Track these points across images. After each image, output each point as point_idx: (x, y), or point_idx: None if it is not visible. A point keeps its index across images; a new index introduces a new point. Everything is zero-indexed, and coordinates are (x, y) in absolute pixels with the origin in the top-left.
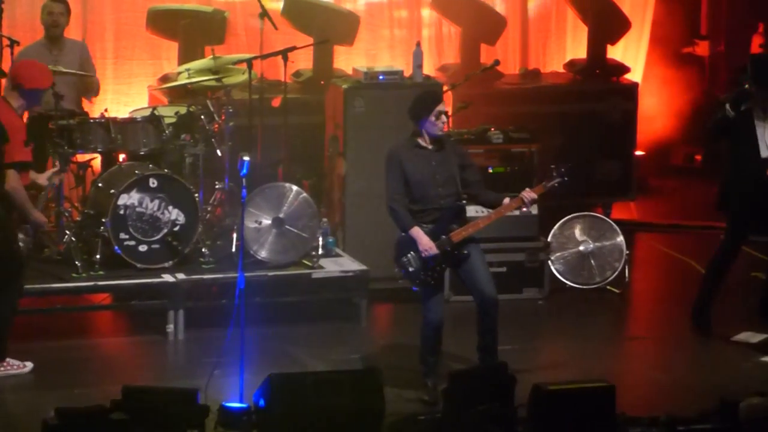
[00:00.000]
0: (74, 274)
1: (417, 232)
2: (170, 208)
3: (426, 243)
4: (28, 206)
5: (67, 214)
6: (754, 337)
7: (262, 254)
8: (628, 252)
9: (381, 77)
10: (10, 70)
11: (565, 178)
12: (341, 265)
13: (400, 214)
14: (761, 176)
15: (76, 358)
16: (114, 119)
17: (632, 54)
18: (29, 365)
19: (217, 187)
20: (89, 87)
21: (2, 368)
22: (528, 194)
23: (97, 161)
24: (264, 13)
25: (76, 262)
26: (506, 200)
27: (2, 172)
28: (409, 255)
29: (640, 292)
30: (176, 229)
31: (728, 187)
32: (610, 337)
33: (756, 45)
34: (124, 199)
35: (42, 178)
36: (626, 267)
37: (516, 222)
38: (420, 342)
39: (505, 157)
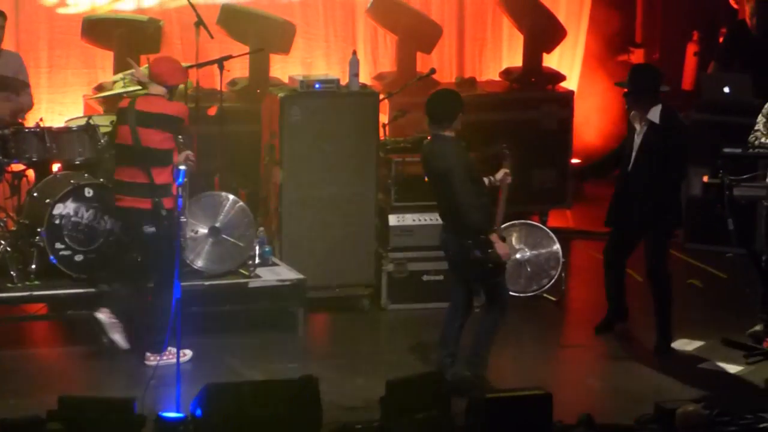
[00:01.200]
0: (9, 284)
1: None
2: (106, 217)
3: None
4: None
5: (2, 224)
6: (690, 345)
7: (199, 264)
8: (564, 260)
9: (317, 86)
10: (150, 68)
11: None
12: (278, 274)
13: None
14: (627, 192)
15: (11, 368)
16: (49, 129)
17: (568, 62)
18: (189, 353)
19: None
20: (23, 104)
21: (166, 356)
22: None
23: (31, 171)
24: (199, 22)
25: (12, 272)
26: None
27: (168, 162)
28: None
29: (576, 299)
30: (112, 238)
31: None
32: (547, 344)
33: (691, 53)
34: (59, 209)
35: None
36: (562, 275)
37: None
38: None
39: None
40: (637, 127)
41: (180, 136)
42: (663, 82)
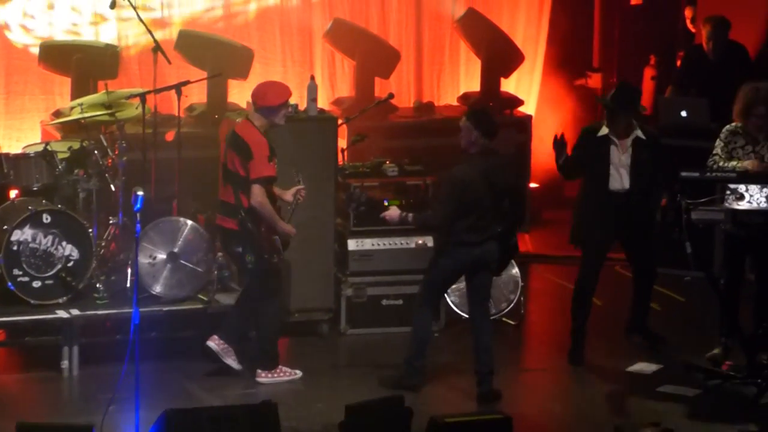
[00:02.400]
0: None
1: None
2: (64, 243)
3: None
4: (276, 219)
5: None
6: (648, 368)
7: (157, 289)
8: (523, 284)
9: None
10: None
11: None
12: (236, 299)
13: None
14: (607, 208)
15: None
16: (6, 155)
17: (525, 87)
18: (299, 373)
19: (111, 222)
20: None
21: (276, 374)
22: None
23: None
24: (157, 48)
25: None
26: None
27: (249, 188)
28: None
29: (535, 323)
30: (70, 264)
31: (579, 219)
32: (506, 368)
33: (648, 77)
34: (17, 235)
35: (287, 195)
36: (521, 299)
37: (412, 255)
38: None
39: (400, 189)
40: (617, 144)
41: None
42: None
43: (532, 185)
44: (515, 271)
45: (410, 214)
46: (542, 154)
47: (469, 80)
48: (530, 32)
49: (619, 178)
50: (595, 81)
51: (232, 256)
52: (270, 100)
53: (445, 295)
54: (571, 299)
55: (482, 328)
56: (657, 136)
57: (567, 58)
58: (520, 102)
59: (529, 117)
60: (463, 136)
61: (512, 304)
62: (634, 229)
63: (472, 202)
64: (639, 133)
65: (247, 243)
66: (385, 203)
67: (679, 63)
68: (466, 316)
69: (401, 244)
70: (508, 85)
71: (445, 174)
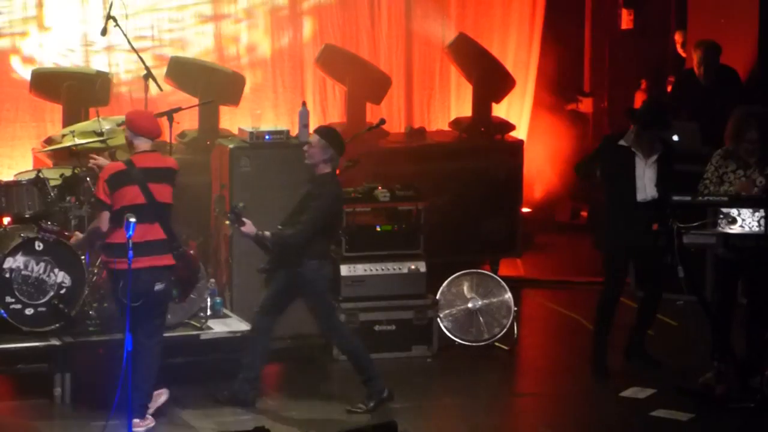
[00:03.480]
0: None
1: None
2: (56, 270)
3: None
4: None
5: None
6: (642, 393)
7: None
8: (516, 308)
9: (267, 137)
10: (132, 124)
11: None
12: (229, 325)
13: None
14: (634, 218)
15: None
16: None
17: (517, 111)
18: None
19: None
20: None
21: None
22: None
23: None
24: (148, 75)
25: None
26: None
27: None
28: None
29: (528, 348)
30: (62, 291)
31: (604, 228)
32: (499, 393)
33: (639, 101)
34: (9, 263)
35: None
36: (514, 323)
37: (404, 280)
38: None
39: (392, 215)
40: (642, 156)
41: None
42: None
43: (524, 210)
44: (508, 296)
45: (267, 232)
46: (534, 178)
47: (461, 105)
48: (521, 57)
49: (644, 189)
50: (586, 105)
51: (167, 295)
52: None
53: (438, 320)
54: (596, 309)
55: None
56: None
57: (558, 83)
58: (512, 127)
59: (521, 142)
60: (315, 154)
61: (505, 329)
62: (654, 242)
63: (333, 218)
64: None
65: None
66: (377, 229)
67: (670, 87)
68: (459, 340)
69: (394, 269)
70: (500, 110)
71: (323, 194)
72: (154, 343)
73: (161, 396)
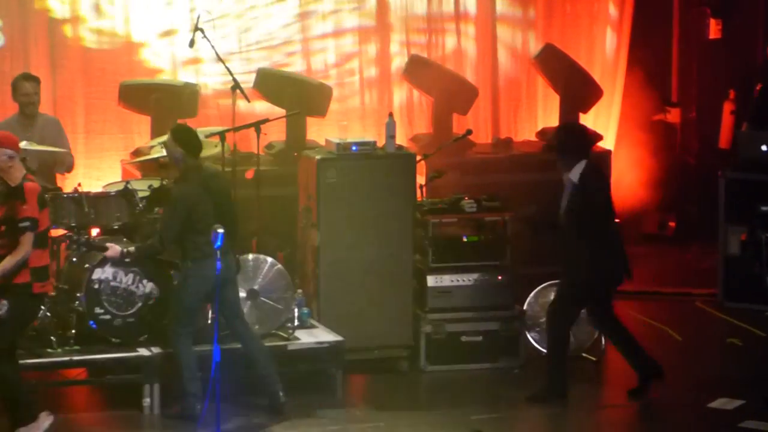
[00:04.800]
0: (49, 350)
1: None
2: (145, 281)
3: None
4: None
5: None
6: (730, 404)
7: None
8: None
9: (354, 148)
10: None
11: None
12: (316, 336)
13: None
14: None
15: None
16: (87, 194)
17: (604, 122)
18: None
19: None
20: (62, 161)
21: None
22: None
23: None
24: (236, 86)
25: (51, 338)
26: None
27: None
28: None
29: (615, 359)
30: (151, 302)
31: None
32: (587, 405)
33: (727, 111)
34: (98, 274)
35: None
36: (602, 335)
37: (491, 291)
38: None
39: (478, 226)
40: (567, 184)
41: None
42: (589, 139)
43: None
44: None
45: (131, 248)
46: (621, 189)
47: (548, 115)
48: (608, 67)
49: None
50: (674, 116)
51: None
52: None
53: (525, 331)
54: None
55: (247, 337)
56: (588, 183)
57: (645, 93)
58: (600, 137)
59: (608, 152)
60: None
61: (592, 340)
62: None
63: (200, 217)
64: (573, 176)
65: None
66: (464, 239)
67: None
68: (546, 351)
69: (481, 280)
70: (587, 120)
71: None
72: None
73: (46, 420)
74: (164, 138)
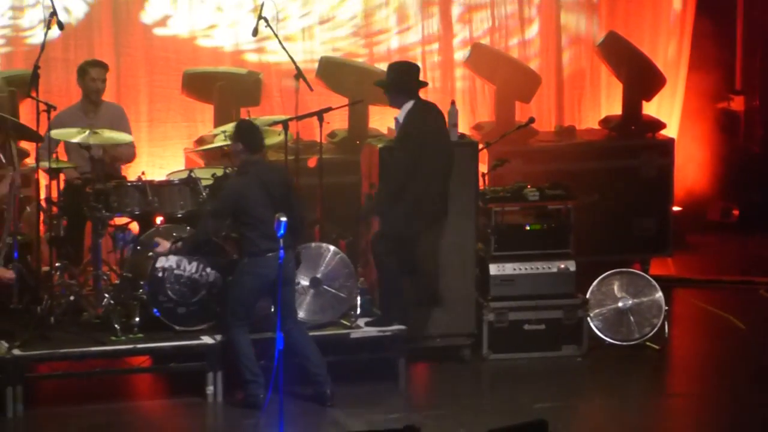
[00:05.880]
0: (113, 337)
1: None
2: (208, 269)
3: None
4: None
5: (105, 278)
6: None
7: (300, 314)
8: (666, 308)
9: None
10: None
11: None
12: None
13: None
14: None
15: (116, 421)
16: (150, 182)
17: (667, 110)
18: None
19: None
20: (119, 157)
21: None
22: None
23: (134, 224)
24: (299, 75)
25: (115, 325)
26: None
27: None
28: None
29: (679, 348)
30: (215, 291)
31: None
32: (651, 394)
33: None
34: (162, 262)
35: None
36: (665, 323)
37: (554, 279)
38: None
39: (541, 214)
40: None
41: None
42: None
43: (675, 209)
44: (659, 295)
45: (178, 243)
46: (685, 177)
47: (611, 104)
48: (672, 55)
49: None
50: (737, 103)
51: None
52: None
53: (588, 319)
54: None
55: (299, 336)
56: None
57: (709, 81)
58: (663, 125)
59: (672, 140)
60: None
61: (656, 329)
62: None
63: (251, 211)
64: (399, 116)
65: None
66: (527, 227)
67: None
68: (610, 340)
69: (543, 268)
70: (650, 108)
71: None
72: None
73: None
74: (227, 126)
